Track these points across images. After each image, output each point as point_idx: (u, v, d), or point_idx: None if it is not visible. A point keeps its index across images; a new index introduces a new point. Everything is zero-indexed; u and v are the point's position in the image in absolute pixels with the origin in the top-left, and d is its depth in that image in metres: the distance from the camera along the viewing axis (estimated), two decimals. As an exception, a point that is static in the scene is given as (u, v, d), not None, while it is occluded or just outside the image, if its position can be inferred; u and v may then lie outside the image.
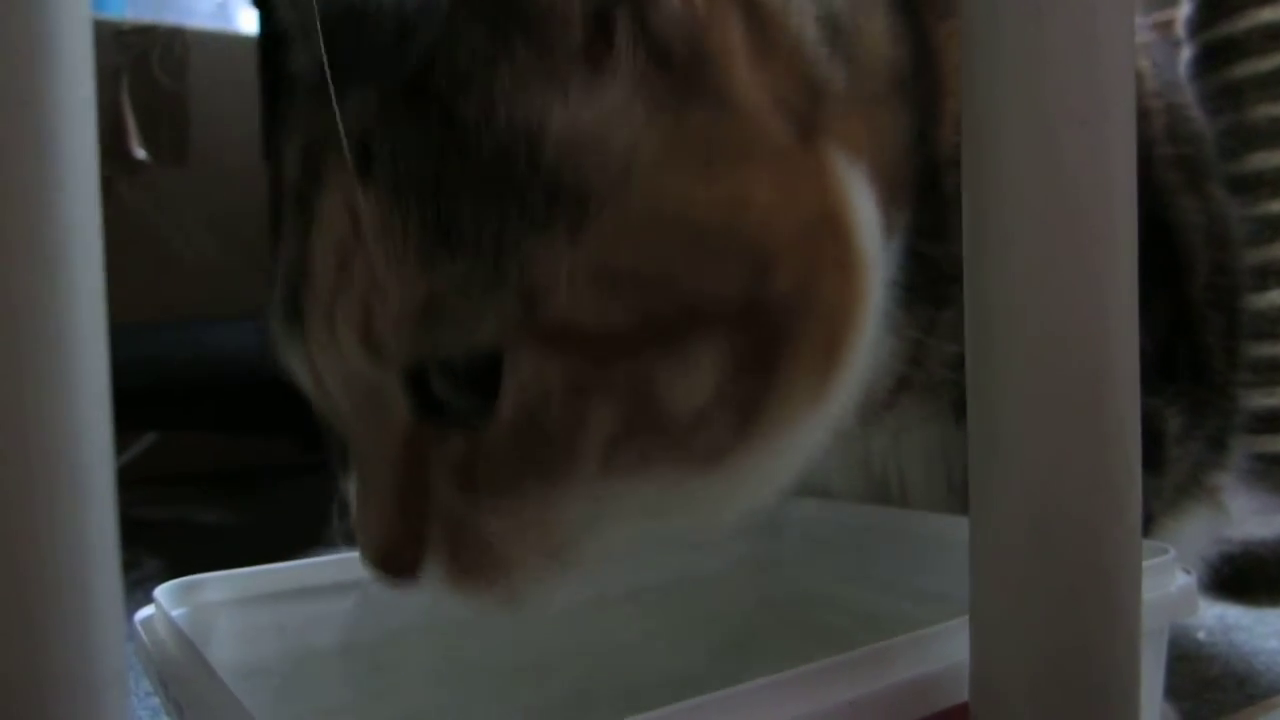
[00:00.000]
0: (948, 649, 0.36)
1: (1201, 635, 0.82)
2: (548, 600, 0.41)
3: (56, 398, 0.20)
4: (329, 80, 0.38)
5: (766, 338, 0.40)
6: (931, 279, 0.51)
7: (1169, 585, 0.45)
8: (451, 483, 0.39)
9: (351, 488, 0.42)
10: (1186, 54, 1.30)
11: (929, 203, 0.50)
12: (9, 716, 0.18)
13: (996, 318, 0.33)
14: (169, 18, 1.86)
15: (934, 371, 0.54)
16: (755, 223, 0.39)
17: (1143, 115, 0.59)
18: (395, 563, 0.40)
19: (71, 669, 0.19)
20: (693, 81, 0.40)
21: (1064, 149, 0.31)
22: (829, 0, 0.46)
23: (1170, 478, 0.65)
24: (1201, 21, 1.27)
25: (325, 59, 0.39)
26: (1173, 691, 0.65)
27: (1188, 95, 0.72)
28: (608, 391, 0.38)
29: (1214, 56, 1.24)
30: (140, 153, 1.67)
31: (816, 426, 0.43)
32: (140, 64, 1.79)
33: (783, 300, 0.39)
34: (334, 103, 0.38)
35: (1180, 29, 1.33)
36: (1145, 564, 0.43)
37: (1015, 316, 0.32)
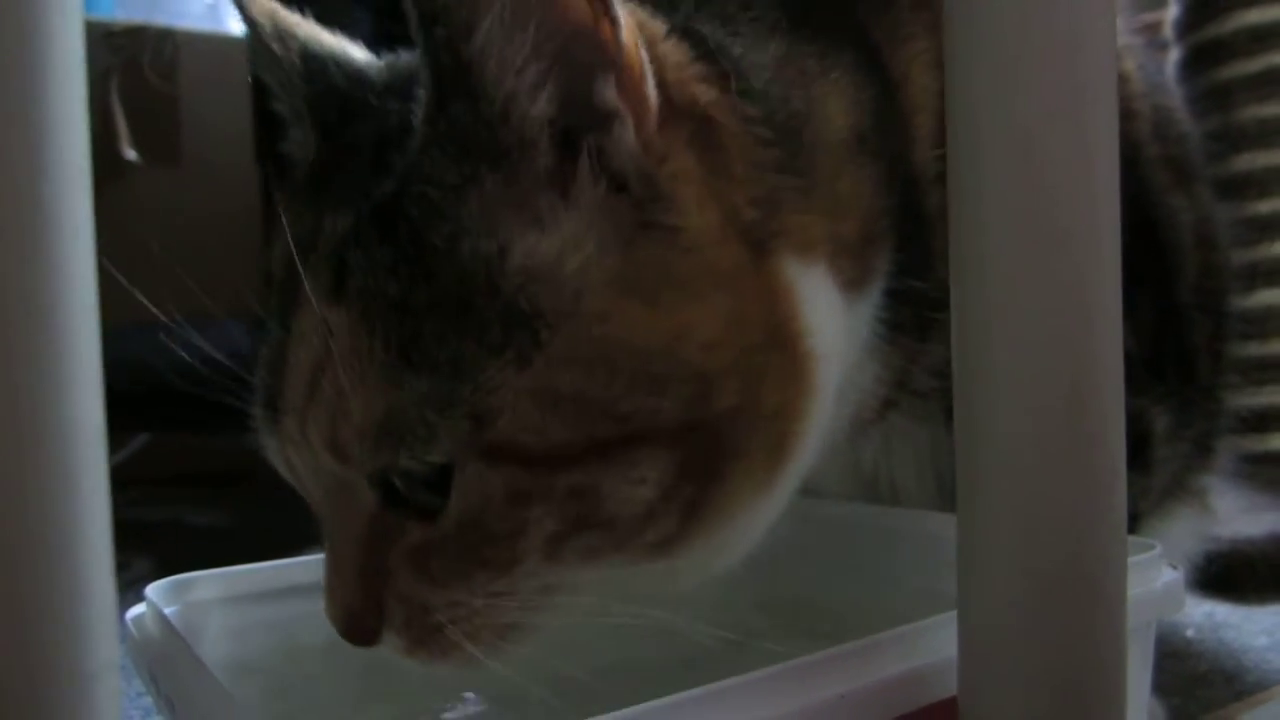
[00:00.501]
0: (936, 644, 0.37)
1: (1190, 633, 0.82)
2: (506, 662, 0.43)
3: (50, 398, 0.20)
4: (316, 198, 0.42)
5: (710, 449, 0.41)
6: (916, 312, 0.51)
7: (1155, 581, 0.45)
8: (408, 567, 0.41)
9: (324, 566, 0.44)
10: (1175, 56, 1.31)
11: (911, 235, 0.51)
12: (21, 704, 0.18)
13: (981, 315, 0.33)
14: (159, 19, 1.85)
15: (921, 384, 0.54)
16: (698, 350, 0.40)
17: (1128, 117, 0.60)
18: (357, 630, 0.42)
19: (65, 659, 0.19)
20: (646, 215, 0.40)
21: (1045, 145, 0.32)
22: (777, 94, 0.46)
23: (1158, 477, 0.65)
24: (1189, 23, 1.28)
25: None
26: (1162, 688, 0.65)
27: (1174, 97, 0.73)
28: (548, 499, 0.39)
29: (1202, 58, 1.25)
30: (131, 154, 1.67)
31: (765, 510, 0.44)
32: (131, 65, 1.78)
33: (724, 417, 0.41)
34: (294, 250, 0.41)
35: (1168, 31, 1.33)
36: (1131, 560, 0.43)
37: (1000, 313, 0.32)
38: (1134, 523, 0.60)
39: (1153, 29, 1.39)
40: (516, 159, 0.39)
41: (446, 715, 0.49)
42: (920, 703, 0.36)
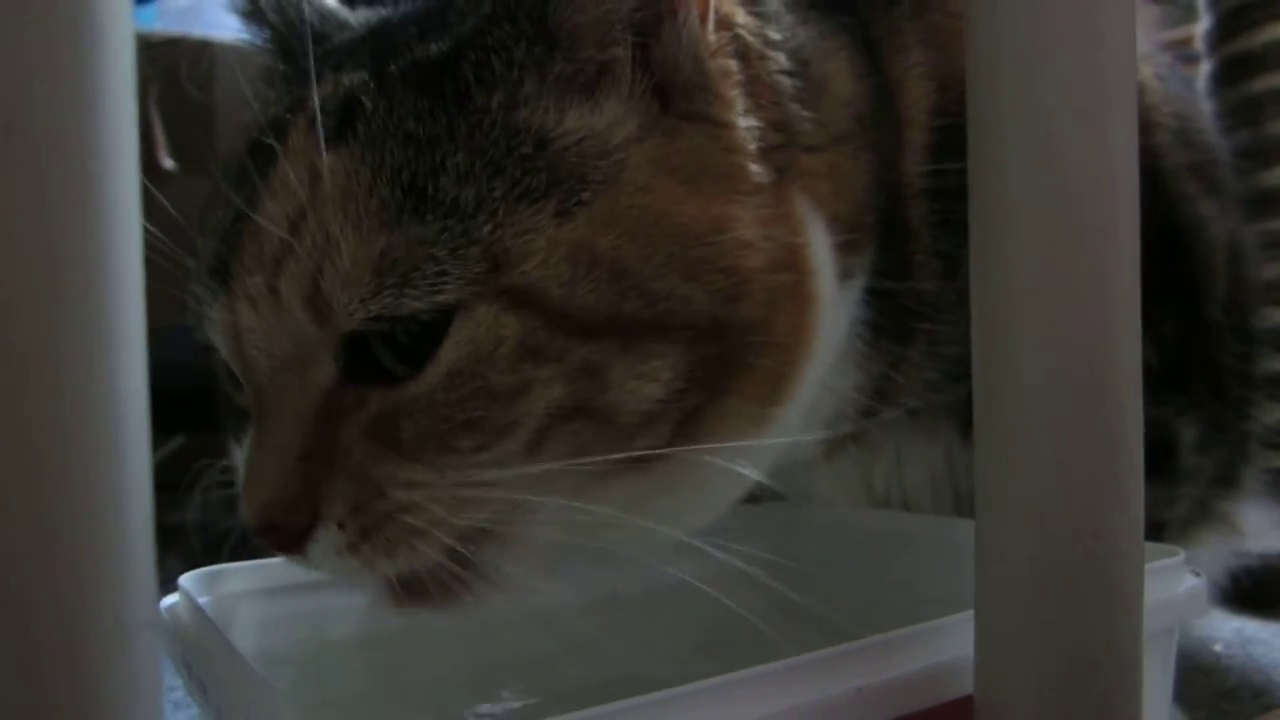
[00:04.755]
0: (953, 642, 0.37)
1: (1219, 648, 0.82)
2: (461, 598, 0.40)
3: (100, 378, 0.21)
4: (312, 65, 0.41)
5: (721, 359, 0.41)
6: (895, 316, 0.52)
7: (1177, 587, 0.45)
8: (367, 440, 0.39)
9: (241, 455, 0.42)
10: (1205, 69, 1.30)
11: (892, 240, 0.52)
12: (61, 659, 0.19)
13: (1000, 316, 0.33)
14: (197, 31, 1.88)
15: (908, 400, 0.55)
16: (732, 246, 0.41)
17: (1147, 127, 0.60)
18: (283, 524, 0.39)
19: (107, 616, 0.20)
20: (694, 104, 0.43)
21: (1065, 147, 0.32)
22: (799, 41, 0.48)
23: (1186, 488, 0.65)
24: (1220, 36, 1.27)
25: (310, 44, 0.42)
26: (1188, 702, 0.65)
27: (1198, 109, 0.73)
28: (559, 363, 0.38)
29: (1233, 71, 1.24)
30: (169, 162, 1.70)
31: (747, 453, 0.44)
32: (169, 76, 1.81)
33: (743, 327, 0.41)
34: (313, 76, 0.40)
35: (1199, 44, 1.33)
36: (1153, 566, 0.43)
37: (1018, 314, 0.33)
38: (1159, 532, 0.60)
39: (1184, 43, 1.38)
40: (588, 45, 0.41)
41: (482, 708, 0.49)
42: (936, 700, 0.36)
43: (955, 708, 0.36)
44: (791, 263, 0.44)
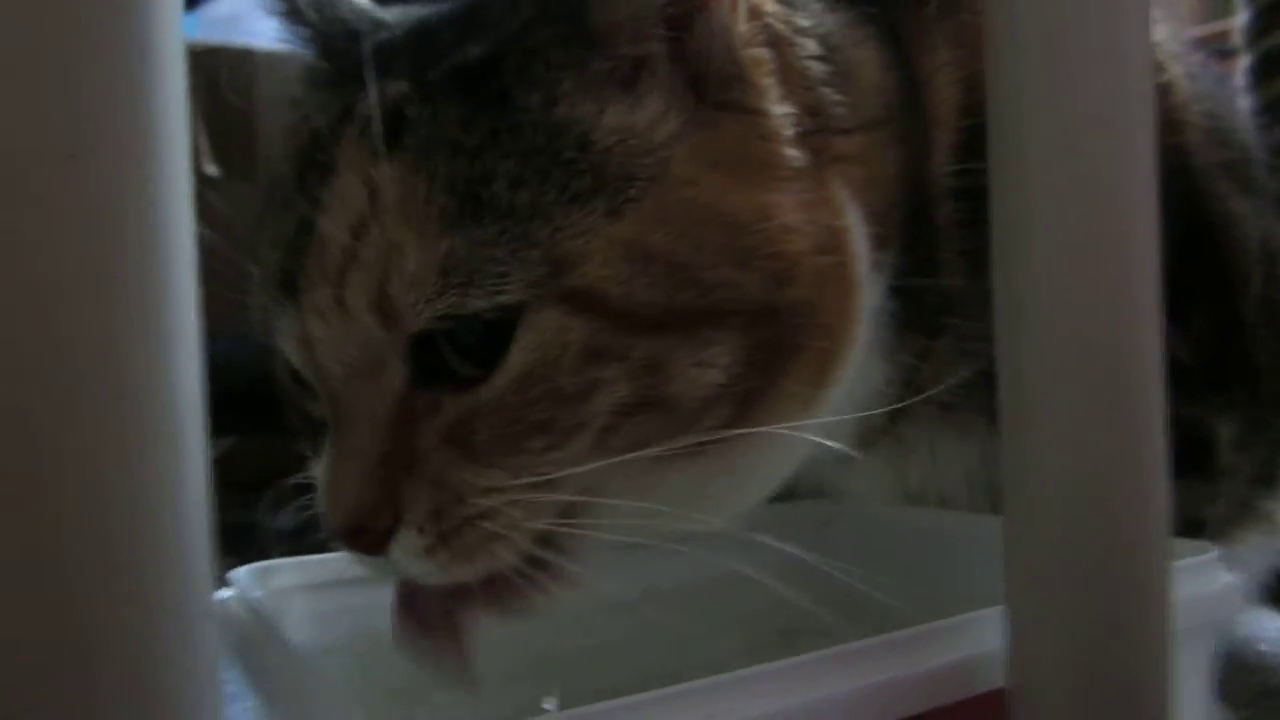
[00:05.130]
0: (985, 635, 0.38)
1: (1263, 646, 0.81)
2: (533, 602, 0.41)
3: (158, 392, 0.23)
4: (367, 61, 0.41)
5: (774, 342, 0.43)
6: (923, 311, 0.53)
7: (1211, 583, 0.46)
8: (444, 446, 0.40)
9: (321, 464, 0.43)
10: (1244, 63, 1.28)
11: (919, 237, 0.53)
12: (126, 638, 0.21)
13: (1024, 314, 0.34)
14: (237, 39, 1.90)
15: (938, 395, 0.55)
16: (779, 232, 0.42)
17: (1175, 127, 0.60)
18: (366, 528, 0.39)
19: (171, 602, 0.22)
20: (729, 95, 0.44)
21: (1084, 146, 0.33)
22: (827, 27, 0.50)
23: (1226, 486, 0.64)
24: (1259, 30, 1.26)
25: (365, 51, 0.42)
26: (1231, 700, 0.65)
27: (1231, 107, 0.72)
28: (624, 360, 0.40)
29: (1271, 65, 1.22)
30: (212, 168, 1.72)
31: (801, 434, 0.45)
32: (210, 83, 1.83)
33: (794, 309, 0.43)
34: (369, 74, 0.41)
35: (1237, 38, 1.31)
36: (1186, 562, 0.44)
37: (1042, 312, 0.34)
38: (1198, 530, 0.60)
39: (1221, 36, 1.37)
40: (624, 42, 0.43)
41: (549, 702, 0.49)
42: (968, 692, 0.37)
43: (987, 700, 0.37)
44: (835, 245, 0.45)
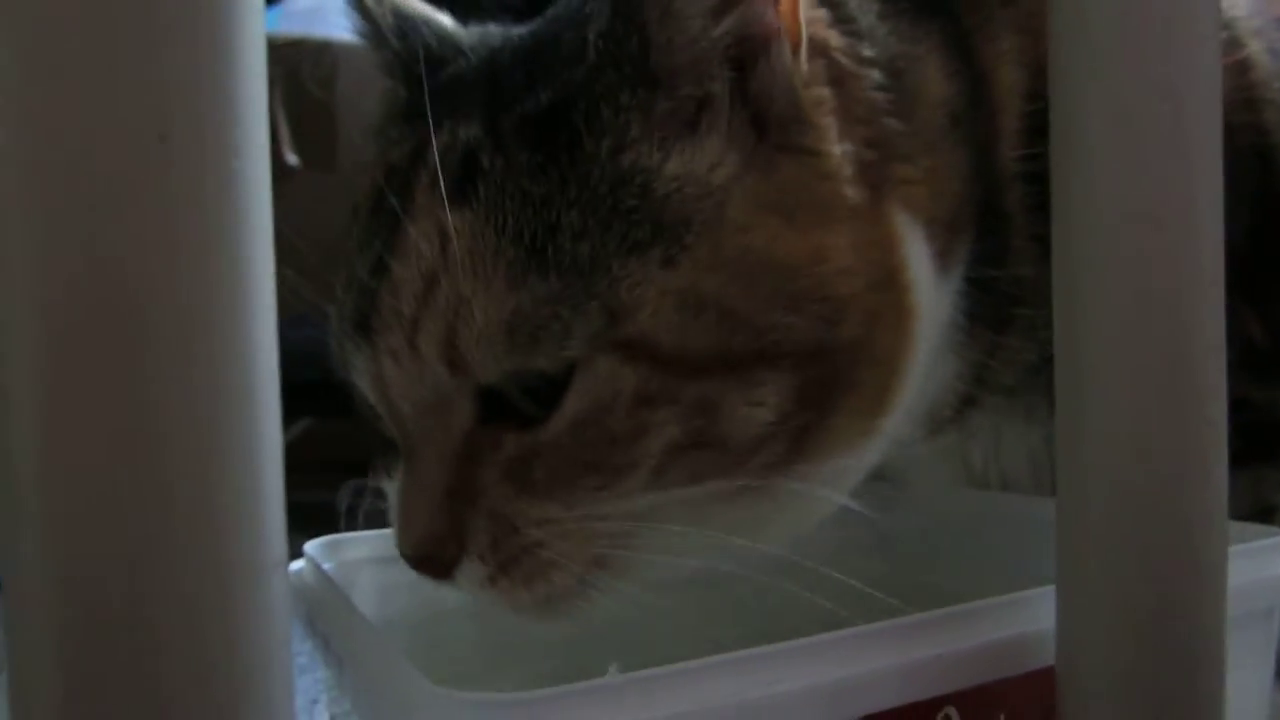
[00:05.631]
0: (1037, 614, 0.38)
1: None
2: (583, 609, 0.43)
3: (239, 361, 0.24)
4: (429, 111, 0.43)
5: (827, 380, 0.43)
6: (994, 303, 0.52)
7: (1276, 566, 0.45)
8: (504, 480, 0.42)
9: (394, 488, 0.45)
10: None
11: (990, 227, 0.52)
12: (200, 592, 0.23)
13: (1081, 291, 0.34)
14: (318, 32, 1.94)
15: (1005, 379, 0.55)
16: (831, 275, 0.42)
17: (1254, 105, 0.59)
18: (434, 556, 0.42)
19: (247, 553, 0.23)
20: (789, 137, 0.44)
21: (1145, 124, 0.33)
22: (889, 46, 0.49)
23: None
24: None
25: (427, 94, 0.43)
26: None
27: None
28: (675, 403, 0.41)
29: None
30: (292, 159, 1.77)
31: (859, 462, 0.46)
32: (292, 75, 1.87)
33: (846, 348, 0.43)
34: (432, 127, 0.42)
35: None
36: (1250, 545, 0.43)
37: (1099, 289, 0.34)
38: (1270, 516, 0.59)
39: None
40: (687, 83, 0.43)
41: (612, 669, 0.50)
42: (1018, 669, 0.37)
43: (1037, 678, 0.37)
44: (889, 281, 0.45)
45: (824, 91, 0.45)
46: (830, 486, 0.45)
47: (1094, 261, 0.34)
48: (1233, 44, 0.60)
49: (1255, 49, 0.62)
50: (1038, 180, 0.52)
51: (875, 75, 0.48)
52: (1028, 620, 0.38)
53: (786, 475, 0.43)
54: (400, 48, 0.52)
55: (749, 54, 0.43)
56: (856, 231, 0.44)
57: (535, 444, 0.41)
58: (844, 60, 0.47)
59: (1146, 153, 0.33)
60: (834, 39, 0.47)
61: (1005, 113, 0.53)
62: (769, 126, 0.44)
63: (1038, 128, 0.52)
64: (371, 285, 0.43)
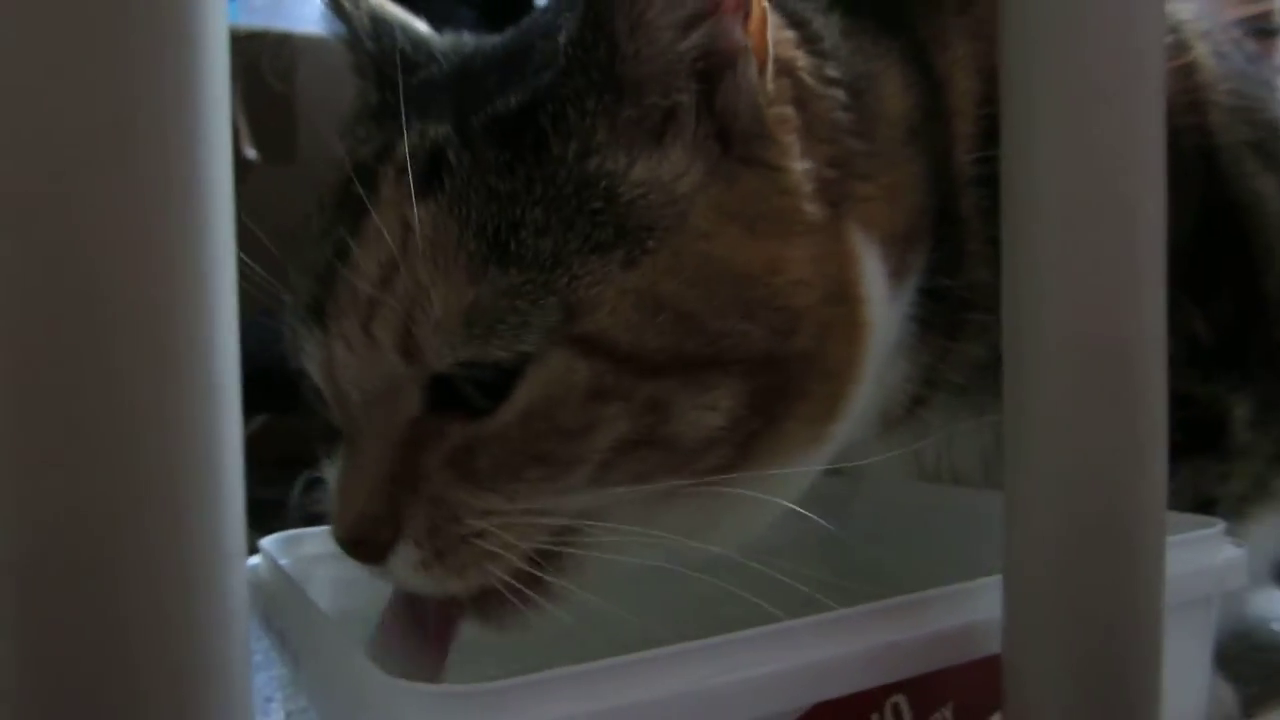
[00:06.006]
0: (984, 603, 0.38)
1: (1277, 626, 0.81)
2: (523, 619, 0.42)
3: (201, 353, 0.24)
4: (401, 105, 0.43)
5: (778, 387, 0.44)
6: (947, 310, 0.54)
7: (1214, 556, 0.46)
8: (447, 468, 0.42)
9: (334, 473, 0.45)
10: (1285, 42, 1.27)
11: (946, 235, 0.53)
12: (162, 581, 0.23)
13: (1027, 287, 0.35)
14: (278, 24, 1.92)
15: (956, 378, 0.56)
16: (787, 286, 0.43)
17: (1199, 107, 0.60)
18: (369, 539, 0.42)
19: (206, 545, 0.23)
20: (752, 150, 0.45)
21: (1092, 125, 0.33)
22: (853, 66, 0.50)
23: (1240, 464, 0.65)
24: (1299, 8, 1.24)
25: (400, 91, 0.44)
26: (1243, 677, 0.65)
27: (1262, 85, 0.72)
28: (627, 400, 0.41)
29: (1311, 45, 1.21)
30: (251, 153, 1.75)
31: (807, 469, 0.46)
32: (251, 68, 1.85)
33: (798, 358, 0.44)
34: (403, 119, 0.43)
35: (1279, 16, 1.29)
36: (1190, 535, 0.45)
37: (1045, 285, 0.34)
38: (1211, 508, 0.60)
39: (1263, 16, 1.35)
40: (653, 93, 0.43)
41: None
42: (966, 658, 0.38)
43: (984, 666, 0.38)
44: (843, 295, 0.46)
45: (788, 110, 0.46)
46: (778, 492, 0.46)
47: (1040, 260, 0.35)
48: (1180, 47, 0.62)
49: (1202, 51, 0.63)
50: (992, 184, 0.53)
51: (839, 95, 0.49)
52: (975, 609, 0.38)
53: (735, 479, 0.44)
54: (375, 50, 0.52)
55: (716, 68, 0.44)
56: (814, 246, 0.45)
57: (482, 433, 0.41)
58: (809, 80, 0.48)
59: (1092, 154, 0.34)
60: (800, 59, 0.48)
61: (961, 118, 0.54)
62: (733, 140, 0.45)
63: (991, 132, 0.53)
64: (330, 273, 0.43)
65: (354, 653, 0.37)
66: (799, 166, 0.46)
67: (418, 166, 0.43)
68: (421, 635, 0.45)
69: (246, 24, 1.89)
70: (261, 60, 1.81)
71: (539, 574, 0.43)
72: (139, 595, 0.23)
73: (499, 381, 0.41)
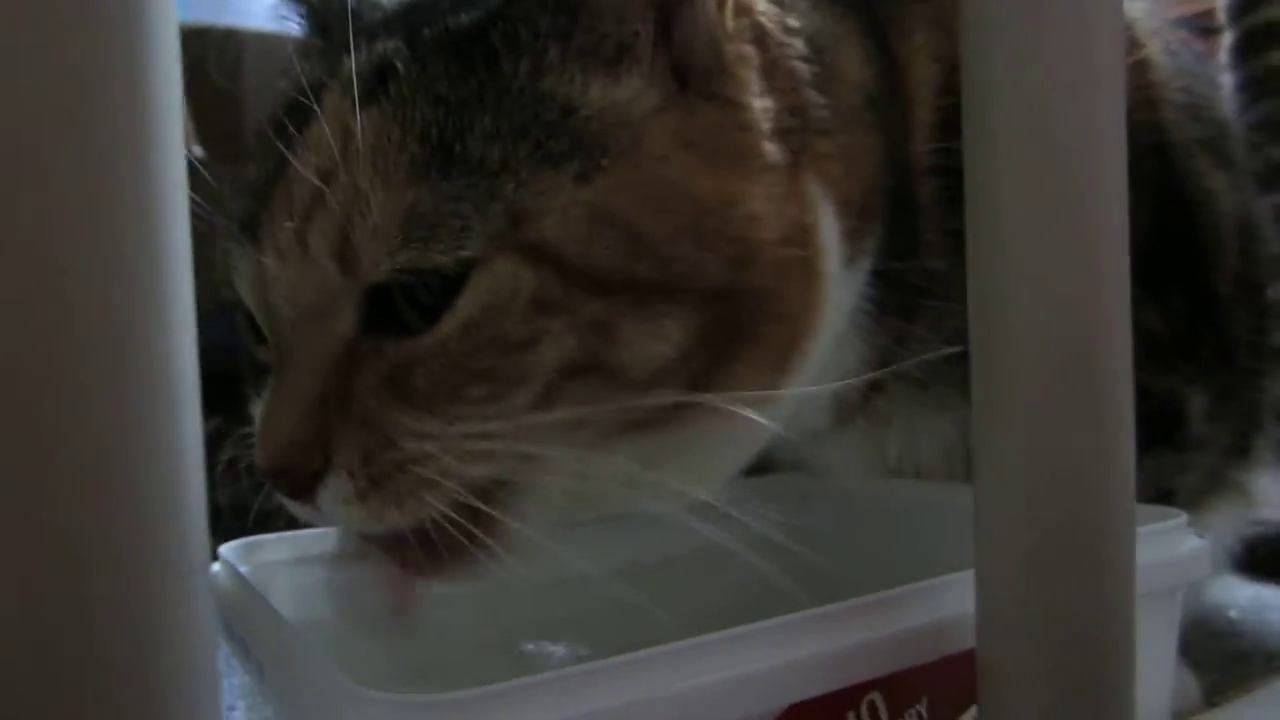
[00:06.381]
0: (957, 598, 0.39)
1: (1234, 614, 0.83)
2: (471, 555, 0.40)
3: (157, 359, 0.23)
4: (349, 15, 0.44)
5: (729, 325, 0.43)
6: (902, 293, 0.54)
7: (1178, 547, 0.47)
8: (382, 389, 0.40)
9: (261, 405, 0.43)
10: (1228, 40, 1.29)
11: (900, 221, 0.53)
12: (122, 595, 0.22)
13: (994, 282, 0.35)
14: (225, 20, 1.89)
15: (914, 369, 0.56)
16: (743, 219, 0.43)
17: (1152, 104, 0.61)
18: (296, 468, 0.39)
19: (168, 558, 0.23)
20: (711, 85, 0.45)
21: (1054, 120, 0.33)
22: (813, 21, 0.50)
23: (1197, 456, 0.66)
24: (1243, 7, 1.27)
25: (356, 13, 0.45)
26: (1202, 665, 0.66)
27: (1211, 83, 0.73)
28: (573, 315, 0.40)
29: (1255, 42, 1.23)
30: (197, 149, 1.72)
31: (758, 423, 0.44)
32: (197, 64, 1.82)
33: (753, 295, 0.43)
34: (351, 45, 0.43)
35: (1222, 15, 1.32)
36: (1155, 527, 0.45)
37: (1011, 280, 0.34)
38: (1169, 499, 0.61)
39: (1207, 14, 1.37)
40: (607, 22, 0.43)
41: (528, 647, 0.50)
42: (940, 654, 0.38)
43: (958, 661, 0.38)
44: (801, 239, 0.46)
45: (747, 48, 0.46)
46: (724, 436, 0.45)
47: (1006, 255, 0.35)
48: (1132, 45, 0.62)
49: (1154, 49, 0.64)
50: (950, 174, 0.53)
51: (798, 45, 0.49)
52: (948, 605, 0.39)
53: (677, 434, 0.42)
54: (321, 6, 0.53)
55: (674, 2, 0.44)
56: (772, 184, 0.45)
57: (420, 350, 0.40)
58: (769, 25, 0.48)
59: (1054, 150, 0.34)
60: (761, 3, 0.48)
61: (919, 106, 0.54)
62: (691, 74, 0.45)
63: (951, 122, 0.53)
64: (267, 188, 0.42)
65: (320, 661, 0.36)
66: (758, 104, 0.46)
67: (364, 77, 0.42)
68: (385, 577, 0.42)
69: (193, 20, 1.86)
70: (208, 57, 1.78)
71: (480, 506, 0.40)
72: (104, 608, 0.22)
73: (438, 303, 0.39)
